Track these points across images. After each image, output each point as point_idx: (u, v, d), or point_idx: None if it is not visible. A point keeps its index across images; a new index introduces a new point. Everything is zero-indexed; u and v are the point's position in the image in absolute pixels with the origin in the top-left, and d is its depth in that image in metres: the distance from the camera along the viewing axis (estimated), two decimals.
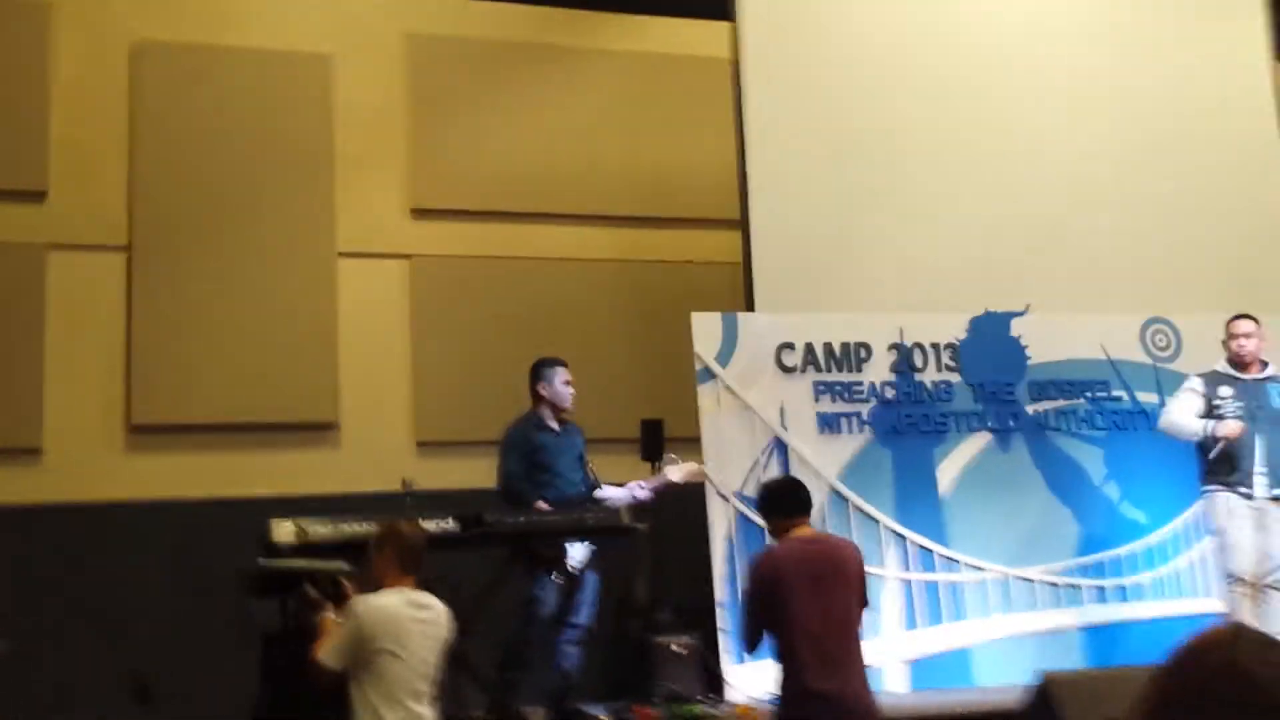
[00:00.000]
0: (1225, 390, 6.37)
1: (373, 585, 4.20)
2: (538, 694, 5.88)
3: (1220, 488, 6.25)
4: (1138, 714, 1.51)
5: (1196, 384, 6.48)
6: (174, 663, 6.23)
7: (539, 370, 6.32)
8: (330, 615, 4.21)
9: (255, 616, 5.58)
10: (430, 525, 5.35)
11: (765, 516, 4.92)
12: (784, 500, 4.86)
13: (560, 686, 5.96)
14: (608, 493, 6.17)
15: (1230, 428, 6.20)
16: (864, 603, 4.77)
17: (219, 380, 7.31)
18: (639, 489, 6.17)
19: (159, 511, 6.94)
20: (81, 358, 7.18)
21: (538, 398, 6.28)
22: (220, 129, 7.62)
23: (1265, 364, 6.45)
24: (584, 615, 6.00)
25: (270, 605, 5.66)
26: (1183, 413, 6.44)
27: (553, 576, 5.81)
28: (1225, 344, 6.52)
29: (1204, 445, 6.34)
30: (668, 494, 6.38)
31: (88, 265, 7.31)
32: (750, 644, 4.82)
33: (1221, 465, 6.26)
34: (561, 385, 6.27)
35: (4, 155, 7.21)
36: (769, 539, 5.00)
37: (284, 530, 4.95)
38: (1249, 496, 6.19)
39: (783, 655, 4.60)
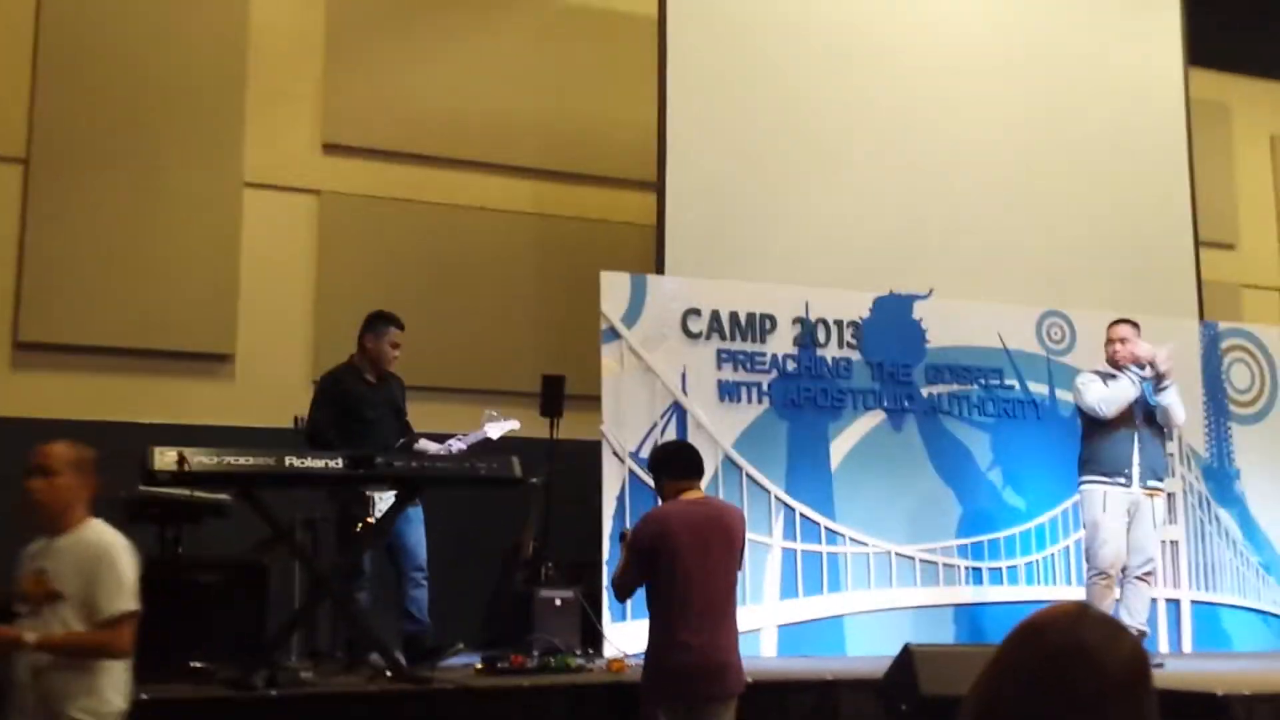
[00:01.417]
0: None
1: (60, 509, 3.66)
2: (398, 642, 5.81)
3: (1099, 480, 6.42)
4: (980, 686, 1.52)
5: (1092, 375, 6.61)
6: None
7: (372, 322, 6.17)
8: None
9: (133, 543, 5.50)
10: (319, 463, 5.30)
11: (656, 477, 5.02)
12: (677, 463, 4.97)
13: (414, 632, 5.89)
14: (425, 446, 6.05)
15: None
16: (740, 565, 4.91)
17: (113, 303, 7.15)
18: (455, 443, 6.09)
19: (42, 430, 6.75)
20: None
21: (362, 348, 6.16)
22: (130, 47, 7.42)
23: (1141, 365, 6.62)
24: (416, 559, 5.93)
25: (147, 532, 5.60)
26: (1105, 387, 6.50)
27: (357, 528, 5.70)
28: (1106, 346, 6.67)
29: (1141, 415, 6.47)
30: (561, 448, 6.40)
31: None
32: (625, 593, 4.94)
33: (1099, 459, 6.43)
34: (387, 345, 6.11)
35: None
36: (659, 500, 5.08)
37: (165, 458, 4.85)
38: (1126, 488, 6.38)
39: (658, 608, 4.74)
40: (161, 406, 7.01)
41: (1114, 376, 6.51)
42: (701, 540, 4.71)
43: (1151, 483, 6.44)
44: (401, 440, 6.05)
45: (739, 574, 4.87)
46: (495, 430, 6.16)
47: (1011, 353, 7.63)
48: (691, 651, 4.63)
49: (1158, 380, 6.52)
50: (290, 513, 5.73)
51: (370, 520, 5.67)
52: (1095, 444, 6.48)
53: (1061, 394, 7.49)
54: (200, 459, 4.90)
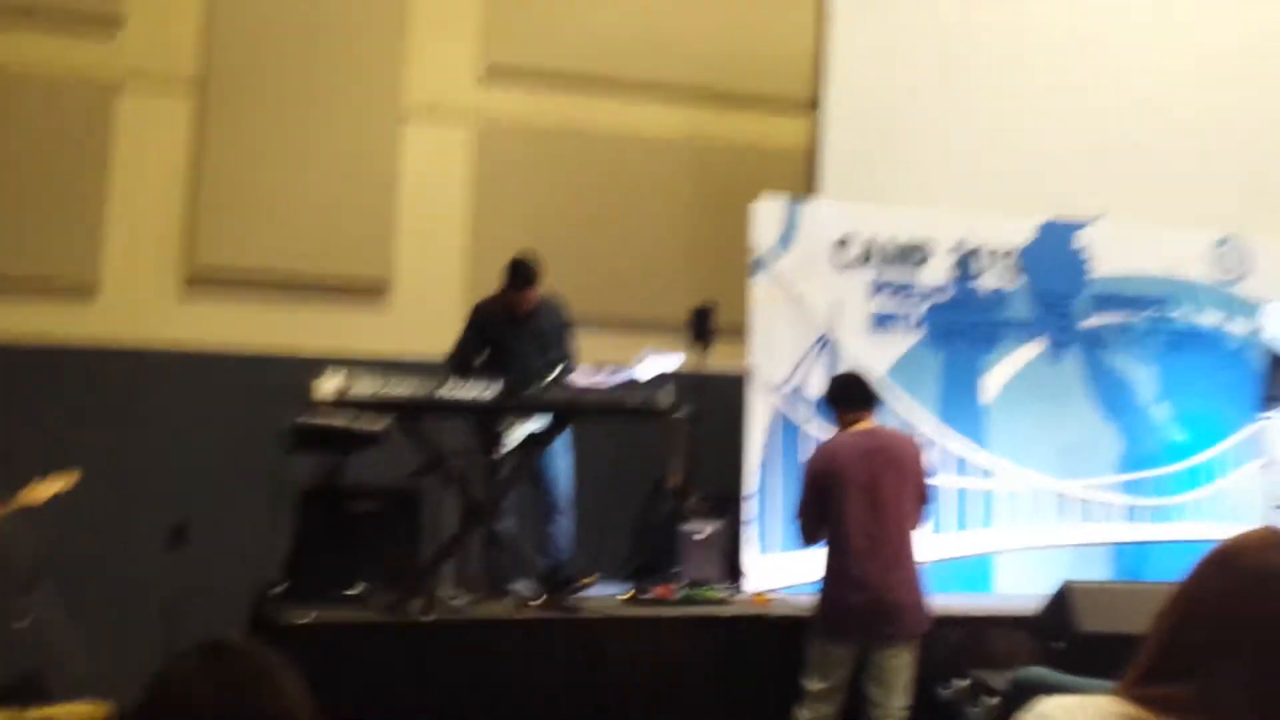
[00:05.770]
0: None
1: None
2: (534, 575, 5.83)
3: None
4: (1167, 614, 1.47)
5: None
6: (212, 510, 6.38)
7: (507, 273, 6.14)
8: None
9: (290, 472, 5.73)
10: (472, 393, 5.43)
11: (830, 408, 5.03)
12: (848, 393, 4.97)
13: (550, 564, 5.90)
14: (576, 379, 5.99)
15: None
16: (923, 498, 4.80)
17: (278, 231, 7.35)
18: (603, 380, 6.08)
19: (209, 360, 7.07)
20: (144, 197, 7.25)
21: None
22: None
23: None
24: (557, 491, 5.98)
25: (309, 460, 5.83)
26: None
27: (491, 455, 5.77)
28: None
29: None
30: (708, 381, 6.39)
31: (156, 106, 7.32)
32: (810, 535, 4.82)
33: None
34: (510, 298, 6.09)
35: None
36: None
37: (327, 386, 5.03)
38: None
39: (831, 543, 4.70)
40: (321, 335, 7.20)
41: None
42: (868, 473, 4.65)
43: None
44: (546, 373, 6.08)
45: (921, 505, 4.79)
46: (644, 372, 6.14)
47: (1181, 282, 7.28)
48: (864, 590, 4.56)
49: None
50: (442, 444, 5.87)
51: (503, 450, 5.75)
52: None
53: (1233, 325, 7.14)
54: (360, 386, 5.08)
